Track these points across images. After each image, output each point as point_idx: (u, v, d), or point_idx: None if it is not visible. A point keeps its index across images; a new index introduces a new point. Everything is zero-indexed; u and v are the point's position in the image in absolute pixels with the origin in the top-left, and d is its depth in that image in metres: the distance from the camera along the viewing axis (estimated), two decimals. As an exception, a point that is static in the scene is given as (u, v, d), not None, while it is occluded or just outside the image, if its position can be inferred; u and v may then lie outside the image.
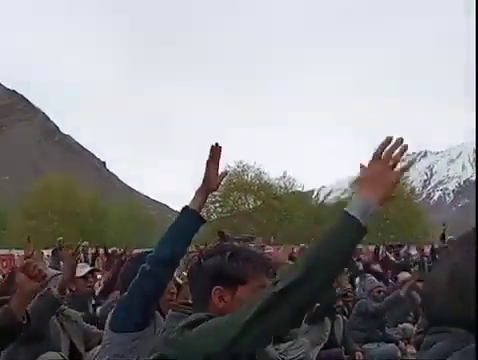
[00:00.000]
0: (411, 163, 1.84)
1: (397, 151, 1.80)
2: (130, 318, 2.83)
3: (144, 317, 2.84)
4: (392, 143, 1.80)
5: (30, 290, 3.37)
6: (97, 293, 7.47)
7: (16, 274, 3.49)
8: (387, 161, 1.79)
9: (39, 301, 4.01)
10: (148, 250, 3.32)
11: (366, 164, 1.83)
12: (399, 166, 1.82)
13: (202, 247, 19.71)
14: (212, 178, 2.79)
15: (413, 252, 15.22)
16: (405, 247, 15.31)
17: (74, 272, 4.31)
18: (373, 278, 9.15)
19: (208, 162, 2.79)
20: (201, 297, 2.02)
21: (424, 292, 1.74)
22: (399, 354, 7.95)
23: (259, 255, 2.11)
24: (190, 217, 2.70)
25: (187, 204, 2.75)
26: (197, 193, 2.81)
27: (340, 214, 1.74)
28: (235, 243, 2.28)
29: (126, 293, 2.86)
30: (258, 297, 1.71)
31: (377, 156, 1.80)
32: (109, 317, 3.00)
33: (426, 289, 1.67)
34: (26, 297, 3.35)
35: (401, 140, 1.81)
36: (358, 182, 1.84)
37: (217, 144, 2.76)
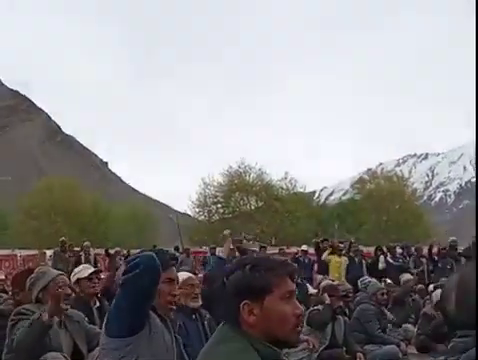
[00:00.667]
0: None
1: None
2: (121, 323, 2.83)
3: (136, 321, 2.84)
4: None
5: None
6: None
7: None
8: None
9: (31, 330, 4.03)
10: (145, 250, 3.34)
11: None
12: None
13: (204, 248, 19.81)
14: None
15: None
16: (400, 249, 15.22)
17: (59, 304, 4.31)
18: (375, 280, 9.19)
19: None
20: (231, 315, 2.01)
21: (441, 300, 1.79)
22: (400, 355, 7.98)
23: (279, 262, 2.10)
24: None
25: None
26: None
27: None
28: (254, 255, 2.27)
29: (116, 297, 2.87)
30: None
31: None
32: (104, 322, 2.99)
33: (442, 297, 1.75)
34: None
35: None
36: None
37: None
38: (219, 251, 6.82)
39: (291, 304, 1.99)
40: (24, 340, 4.04)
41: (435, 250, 14.89)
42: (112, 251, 15.50)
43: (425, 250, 15.24)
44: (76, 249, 16.13)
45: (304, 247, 16.49)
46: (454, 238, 15.01)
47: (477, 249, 11.96)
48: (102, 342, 2.95)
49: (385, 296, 8.55)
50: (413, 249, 15.14)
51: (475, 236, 12.47)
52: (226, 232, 7.21)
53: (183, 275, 5.30)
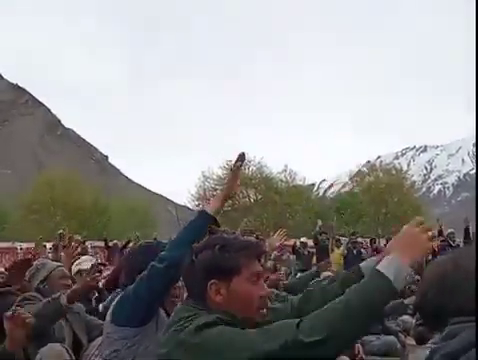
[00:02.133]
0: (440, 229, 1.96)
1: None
2: (134, 314, 2.82)
3: (148, 313, 2.85)
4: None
5: (18, 337, 3.52)
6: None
7: (4, 321, 3.60)
8: (424, 229, 1.92)
9: (46, 306, 3.99)
10: (150, 241, 3.36)
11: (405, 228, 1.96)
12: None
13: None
14: (235, 186, 2.83)
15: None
16: None
17: (87, 288, 4.29)
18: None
19: (234, 171, 2.84)
20: (198, 293, 2.01)
21: (420, 290, 1.77)
22: (398, 346, 8.00)
23: (249, 242, 2.11)
24: (206, 220, 2.68)
25: (204, 208, 2.78)
26: (216, 198, 2.86)
27: (372, 273, 1.79)
28: (224, 235, 2.26)
29: (132, 288, 2.84)
30: (283, 331, 1.75)
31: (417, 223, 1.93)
32: (111, 310, 2.98)
33: (422, 288, 1.76)
34: (17, 341, 3.51)
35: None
36: (392, 243, 1.95)
37: (243, 154, 2.77)
38: None
39: (258, 285, 2.01)
40: (38, 315, 4.02)
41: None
42: (111, 244, 15.63)
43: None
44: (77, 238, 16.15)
45: (303, 239, 16.52)
46: (452, 230, 15.02)
47: (477, 242, 12.03)
48: (108, 330, 2.95)
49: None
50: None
51: (475, 227, 12.51)
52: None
53: None
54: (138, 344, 2.83)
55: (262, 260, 2.15)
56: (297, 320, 1.76)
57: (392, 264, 1.78)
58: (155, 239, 12.86)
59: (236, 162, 2.80)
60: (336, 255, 13.53)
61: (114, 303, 3.02)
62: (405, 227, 1.91)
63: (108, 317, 2.99)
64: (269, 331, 1.79)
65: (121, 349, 2.84)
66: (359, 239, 15.65)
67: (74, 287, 4.07)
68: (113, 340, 2.88)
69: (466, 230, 14.50)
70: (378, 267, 1.78)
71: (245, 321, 1.94)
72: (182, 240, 2.67)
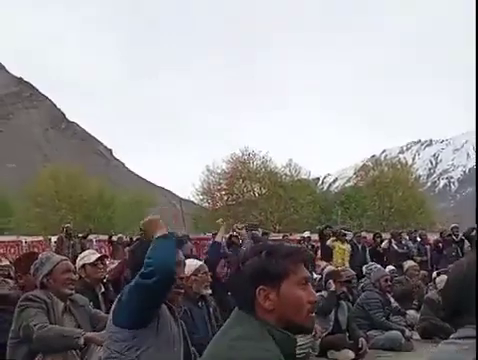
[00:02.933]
0: None
1: None
2: (130, 317, 2.83)
3: (145, 318, 2.84)
4: None
5: None
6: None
7: None
8: None
9: (63, 339, 4.03)
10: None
11: None
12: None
13: (209, 234, 19.83)
14: None
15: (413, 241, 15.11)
16: (407, 235, 15.22)
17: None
18: (380, 267, 9.22)
19: None
20: (246, 300, 2.01)
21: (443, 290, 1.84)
22: (403, 340, 8.02)
23: (295, 248, 2.12)
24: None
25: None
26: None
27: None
28: (269, 242, 2.28)
29: (126, 293, 2.85)
30: None
31: None
32: (112, 309, 2.99)
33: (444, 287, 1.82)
34: None
35: None
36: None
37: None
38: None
39: (306, 291, 2.01)
40: (47, 342, 4.06)
41: (440, 237, 14.93)
42: (115, 237, 15.63)
43: (429, 237, 15.30)
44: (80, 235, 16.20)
45: (306, 233, 16.51)
46: (456, 225, 14.98)
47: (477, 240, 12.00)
48: (109, 330, 2.95)
49: (389, 283, 8.58)
50: (418, 236, 15.15)
51: (476, 224, 12.47)
52: (219, 221, 8.21)
53: (196, 263, 5.36)
54: (137, 346, 2.82)
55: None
56: None
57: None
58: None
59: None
60: (338, 250, 13.51)
61: (114, 303, 3.01)
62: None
63: (110, 316, 2.99)
64: None
65: (120, 351, 2.84)
66: (363, 233, 15.62)
67: (93, 336, 4.12)
68: (114, 341, 2.88)
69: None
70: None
71: (294, 330, 1.98)
72: (166, 247, 2.80)
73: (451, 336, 1.72)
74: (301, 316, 1.96)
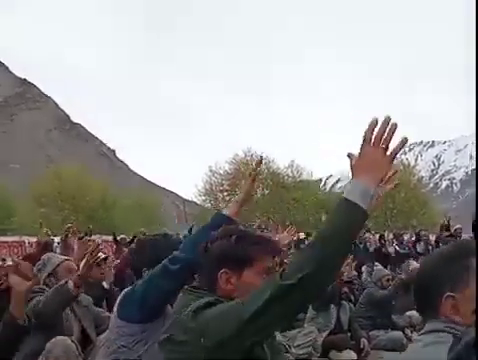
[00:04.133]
0: (404, 142, 1.76)
1: (387, 132, 1.75)
2: (142, 311, 2.82)
3: (157, 311, 2.84)
4: (380, 124, 1.76)
5: (24, 290, 3.56)
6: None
7: (8, 276, 3.64)
8: (378, 143, 1.76)
9: (54, 294, 4.04)
10: (157, 234, 3.34)
11: (355, 153, 1.81)
12: (391, 146, 1.78)
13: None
14: (252, 190, 2.87)
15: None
16: (409, 235, 15.23)
17: (91, 266, 4.35)
18: (381, 267, 9.22)
19: (252, 175, 2.88)
20: (209, 281, 2.03)
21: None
22: (405, 341, 8.01)
23: (264, 238, 2.13)
24: (222, 221, 2.62)
25: (221, 210, 2.80)
26: (234, 201, 2.87)
27: (340, 201, 1.74)
28: (241, 227, 2.27)
29: (141, 285, 2.85)
30: (267, 287, 1.75)
31: (368, 139, 1.77)
32: (118, 304, 2.99)
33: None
34: (22, 297, 3.56)
35: (389, 119, 1.76)
36: (353, 168, 1.81)
37: (261, 158, 2.75)
38: None
39: None
40: (49, 304, 4.04)
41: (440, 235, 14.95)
42: (118, 238, 15.64)
43: (431, 238, 15.28)
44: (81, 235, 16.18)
45: (301, 235, 16.51)
46: (459, 226, 14.96)
47: (477, 240, 11.93)
48: (116, 324, 2.95)
49: (390, 282, 8.59)
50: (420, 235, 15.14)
51: (475, 222, 12.46)
52: None
53: None
54: (146, 340, 2.83)
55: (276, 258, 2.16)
56: (280, 272, 1.76)
57: (357, 188, 1.73)
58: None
59: (256, 165, 2.83)
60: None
61: (121, 297, 3.01)
62: (365, 148, 1.77)
63: (115, 311, 2.99)
64: (256, 291, 1.79)
65: (128, 345, 2.84)
66: (366, 234, 15.62)
67: (78, 272, 4.11)
68: (120, 335, 2.88)
69: (475, 225, 14.37)
70: (344, 194, 1.75)
71: None
72: (197, 242, 2.61)
73: (420, 332, 1.72)
74: None
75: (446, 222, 14.87)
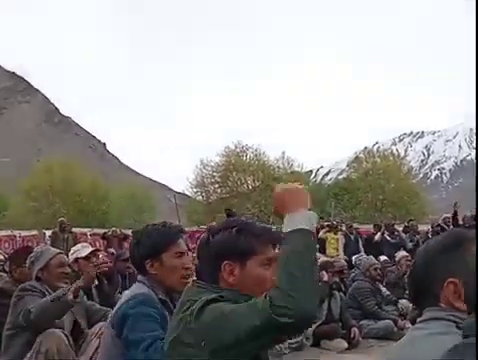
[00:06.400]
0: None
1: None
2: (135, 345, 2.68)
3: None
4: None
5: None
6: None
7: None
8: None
9: (52, 304, 4.05)
10: (156, 223, 3.25)
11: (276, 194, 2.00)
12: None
13: (203, 227, 19.87)
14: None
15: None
16: (401, 227, 15.29)
17: (92, 282, 4.37)
18: (369, 257, 9.30)
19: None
20: (210, 273, 2.05)
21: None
22: (395, 330, 8.09)
23: (265, 229, 2.15)
24: None
25: None
26: None
27: (287, 235, 1.87)
28: (242, 219, 2.29)
29: (126, 335, 2.72)
30: (263, 303, 1.78)
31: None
32: (112, 316, 2.90)
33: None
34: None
35: None
36: (279, 209, 1.98)
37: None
38: None
39: (270, 270, 2.03)
40: (44, 314, 4.07)
41: (431, 228, 15.01)
42: (110, 231, 15.61)
43: (420, 228, 15.37)
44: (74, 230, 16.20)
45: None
46: (448, 215, 15.04)
47: (477, 231, 11.99)
48: (109, 337, 2.87)
49: (379, 271, 8.66)
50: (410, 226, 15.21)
51: (476, 216, 12.50)
52: None
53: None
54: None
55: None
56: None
57: (293, 218, 1.88)
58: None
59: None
60: (331, 240, 13.60)
61: (117, 317, 2.83)
62: (278, 192, 1.99)
63: (109, 322, 2.91)
64: (253, 306, 1.82)
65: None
66: (355, 225, 15.73)
67: (79, 283, 4.12)
68: (112, 346, 2.82)
69: (454, 215, 14.40)
70: (284, 229, 1.88)
71: None
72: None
73: (418, 320, 1.74)
74: (262, 294, 1.94)
75: (455, 210, 14.61)
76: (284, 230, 1.86)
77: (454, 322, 1.61)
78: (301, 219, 1.86)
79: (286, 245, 1.86)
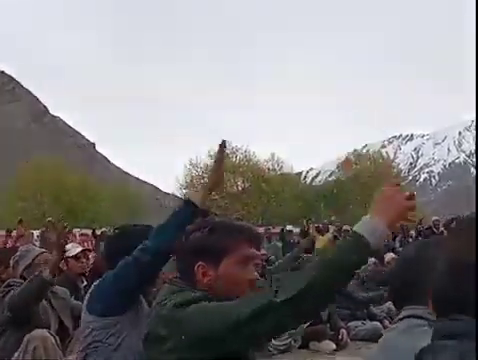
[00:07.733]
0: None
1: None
2: (115, 303, 2.77)
3: (130, 302, 2.80)
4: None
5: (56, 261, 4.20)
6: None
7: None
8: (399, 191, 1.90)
9: (30, 284, 4.05)
10: (126, 225, 3.29)
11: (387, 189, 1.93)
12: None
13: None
14: (220, 175, 2.81)
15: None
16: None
17: (63, 251, 4.35)
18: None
19: (218, 160, 2.82)
20: (186, 274, 2.01)
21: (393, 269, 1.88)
22: (383, 331, 8.10)
23: (239, 226, 2.09)
24: (190, 208, 2.61)
25: (189, 197, 2.71)
26: (202, 187, 2.85)
27: (350, 232, 1.82)
28: (216, 218, 2.24)
29: (112, 276, 2.79)
30: (257, 297, 1.76)
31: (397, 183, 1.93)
32: (88, 299, 2.91)
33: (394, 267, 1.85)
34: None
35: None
36: (374, 203, 1.92)
37: (224, 143, 2.71)
38: None
39: (246, 270, 1.99)
40: (24, 294, 4.05)
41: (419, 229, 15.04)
42: (99, 231, 15.60)
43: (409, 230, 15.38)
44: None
45: (289, 227, 16.57)
46: (437, 218, 15.09)
47: (477, 234, 12.02)
48: (86, 320, 2.87)
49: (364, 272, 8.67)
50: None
51: (476, 218, 12.54)
52: None
53: None
54: (119, 332, 2.77)
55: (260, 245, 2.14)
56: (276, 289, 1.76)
57: (367, 223, 1.81)
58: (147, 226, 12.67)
59: (218, 151, 2.78)
60: (320, 241, 13.61)
61: (90, 292, 2.95)
62: (384, 190, 1.90)
63: (85, 306, 2.92)
64: (247, 298, 1.81)
65: (101, 339, 2.77)
66: (345, 227, 15.74)
67: (51, 259, 4.12)
68: (92, 330, 2.80)
69: (430, 227, 14.63)
70: (354, 228, 1.81)
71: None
72: (166, 229, 2.63)
73: (396, 318, 1.77)
74: (238, 294, 1.92)
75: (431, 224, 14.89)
76: (356, 228, 1.80)
77: (428, 320, 1.62)
78: (379, 233, 1.80)
79: (339, 242, 1.84)
